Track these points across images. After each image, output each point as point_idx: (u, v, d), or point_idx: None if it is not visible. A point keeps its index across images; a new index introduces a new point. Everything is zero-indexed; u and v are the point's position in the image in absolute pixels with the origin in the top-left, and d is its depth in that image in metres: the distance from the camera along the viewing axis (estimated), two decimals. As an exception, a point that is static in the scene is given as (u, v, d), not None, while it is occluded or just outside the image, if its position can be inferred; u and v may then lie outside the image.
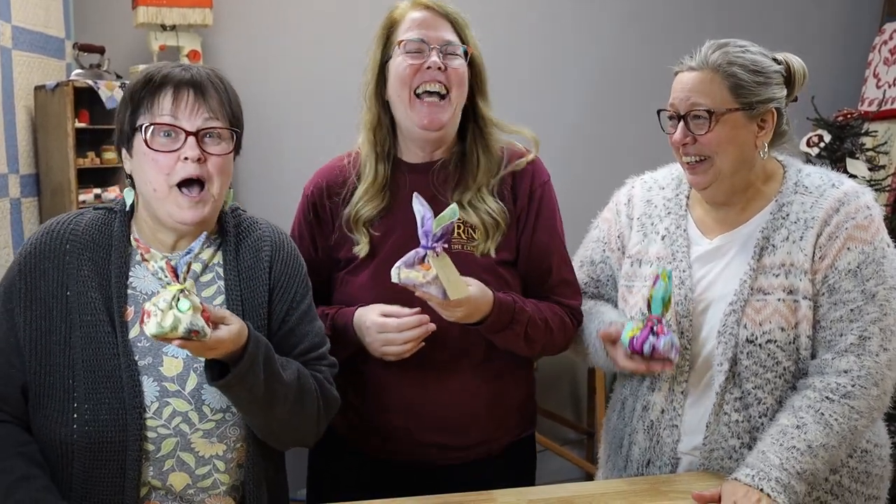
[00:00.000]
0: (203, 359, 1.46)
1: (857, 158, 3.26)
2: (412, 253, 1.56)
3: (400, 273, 1.56)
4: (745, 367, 1.68)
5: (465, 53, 1.78)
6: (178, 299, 1.33)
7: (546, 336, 1.79)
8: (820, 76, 3.97)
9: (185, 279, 1.37)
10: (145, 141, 1.46)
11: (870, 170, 3.28)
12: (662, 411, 1.78)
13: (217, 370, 1.43)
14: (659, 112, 1.77)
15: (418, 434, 1.80)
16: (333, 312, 1.80)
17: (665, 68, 1.83)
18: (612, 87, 3.93)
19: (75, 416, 1.43)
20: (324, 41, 3.54)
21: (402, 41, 1.75)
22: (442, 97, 1.74)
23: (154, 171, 1.46)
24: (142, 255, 1.38)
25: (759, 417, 1.69)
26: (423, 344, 1.72)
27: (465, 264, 1.71)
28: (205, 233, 1.45)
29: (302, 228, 1.89)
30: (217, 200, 1.52)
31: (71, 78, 3.06)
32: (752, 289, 1.70)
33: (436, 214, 1.56)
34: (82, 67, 3.19)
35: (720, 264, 1.76)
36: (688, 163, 1.73)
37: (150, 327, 1.33)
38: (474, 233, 1.79)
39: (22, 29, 2.92)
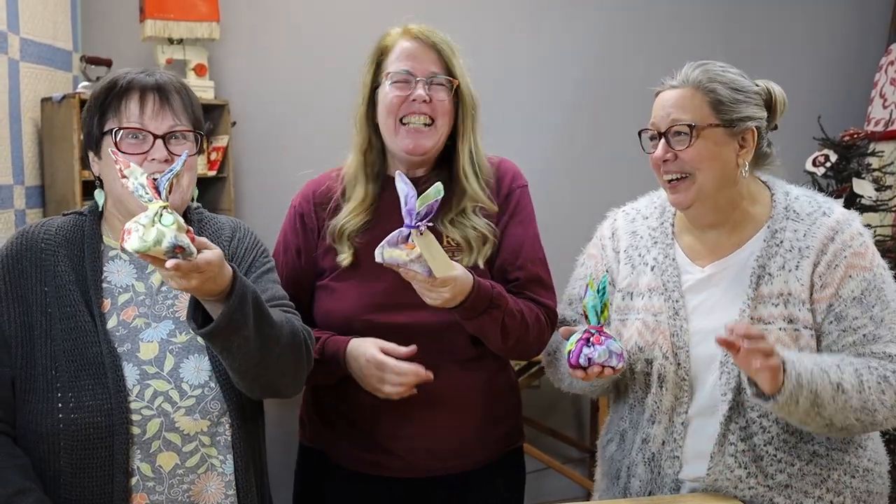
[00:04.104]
0: (177, 341, 1.52)
1: (864, 178, 3.25)
2: (395, 232, 1.54)
3: (384, 252, 1.54)
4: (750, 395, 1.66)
5: (451, 85, 1.80)
6: (161, 214, 1.29)
7: (521, 329, 1.76)
8: (826, 96, 3.98)
9: (167, 197, 1.34)
10: (115, 143, 1.50)
11: (876, 190, 3.27)
12: (663, 443, 1.76)
13: (201, 322, 1.43)
14: (640, 133, 1.77)
15: (412, 449, 1.81)
16: (325, 338, 1.79)
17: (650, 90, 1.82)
18: (595, 107, 3.89)
19: (60, 405, 1.46)
20: (330, 55, 3.54)
21: (388, 73, 1.80)
22: (427, 125, 1.78)
23: None
24: (120, 170, 1.33)
25: (765, 446, 1.68)
26: (416, 391, 1.72)
27: None
28: (185, 151, 1.47)
29: (287, 237, 1.91)
30: (186, 192, 1.56)
31: (77, 90, 3.07)
32: (752, 318, 1.68)
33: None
34: (89, 80, 3.20)
35: (715, 293, 1.75)
36: (669, 181, 1.72)
37: (132, 242, 1.28)
38: (459, 247, 1.80)
39: (30, 41, 2.93)
